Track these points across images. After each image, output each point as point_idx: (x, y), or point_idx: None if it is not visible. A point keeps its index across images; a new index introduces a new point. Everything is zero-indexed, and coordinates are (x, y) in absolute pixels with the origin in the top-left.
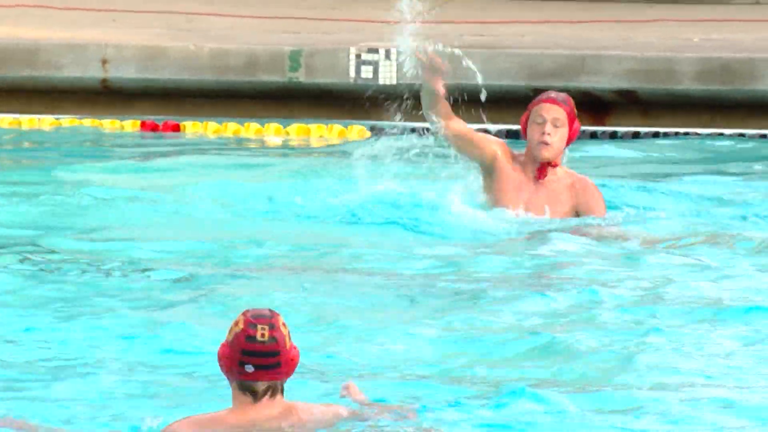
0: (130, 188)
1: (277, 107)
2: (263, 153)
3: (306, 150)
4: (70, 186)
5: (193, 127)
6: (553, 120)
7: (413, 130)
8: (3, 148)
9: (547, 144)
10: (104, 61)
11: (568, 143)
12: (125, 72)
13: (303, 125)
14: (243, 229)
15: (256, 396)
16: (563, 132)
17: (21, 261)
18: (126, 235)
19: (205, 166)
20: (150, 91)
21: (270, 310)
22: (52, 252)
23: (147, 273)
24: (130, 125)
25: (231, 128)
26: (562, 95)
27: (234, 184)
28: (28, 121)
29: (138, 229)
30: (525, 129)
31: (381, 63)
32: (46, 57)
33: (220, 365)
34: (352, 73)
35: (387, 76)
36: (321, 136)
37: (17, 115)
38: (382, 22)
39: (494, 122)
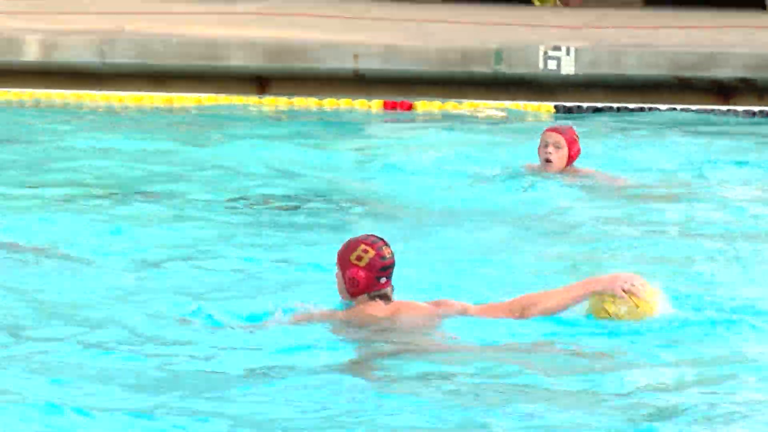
0: (378, 155)
1: (486, 92)
2: (475, 126)
3: (503, 122)
4: (334, 152)
5: (422, 106)
6: (554, 143)
7: (596, 110)
8: (279, 125)
9: (549, 162)
10: (356, 56)
11: (569, 162)
12: (372, 64)
13: (504, 104)
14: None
15: (388, 299)
16: (563, 152)
17: (266, 211)
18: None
19: (434, 136)
20: (390, 79)
21: (370, 234)
22: (324, 209)
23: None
24: (376, 104)
25: (449, 106)
26: (564, 126)
27: (454, 151)
28: (298, 101)
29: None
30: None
31: (563, 58)
32: (312, 53)
33: (354, 286)
34: (541, 66)
35: (568, 68)
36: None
37: (289, 97)
38: (562, 27)
39: (648, 103)
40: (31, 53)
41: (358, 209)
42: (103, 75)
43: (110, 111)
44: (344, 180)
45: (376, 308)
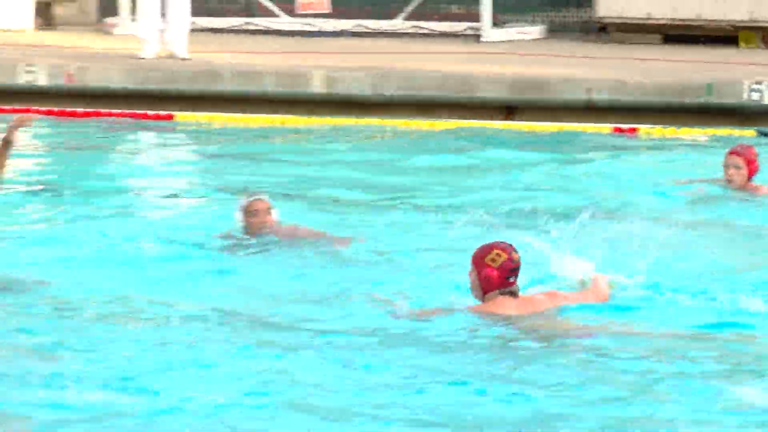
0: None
1: (698, 119)
2: (688, 147)
3: (712, 144)
4: (569, 169)
5: (645, 131)
6: (734, 164)
7: None
8: (523, 147)
9: (731, 180)
10: (589, 89)
11: (749, 178)
12: (603, 95)
13: (714, 130)
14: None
15: (515, 295)
16: (743, 172)
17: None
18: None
19: (654, 156)
20: (617, 108)
21: (502, 241)
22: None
23: None
24: (605, 129)
25: (667, 131)
26: (744, 148)
27: (669, 168)
28: (539, 127)
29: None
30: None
31: (765, 90)
32: (552, 86)
33: (487, 284)
34: (746, 97)
35: None
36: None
37: (529, 123)
38: (764, 65)
39: None
40: (317, 86)
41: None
42: (376, 104)
43: (382, 135)
44: (575, 192)
45: (506, 303)
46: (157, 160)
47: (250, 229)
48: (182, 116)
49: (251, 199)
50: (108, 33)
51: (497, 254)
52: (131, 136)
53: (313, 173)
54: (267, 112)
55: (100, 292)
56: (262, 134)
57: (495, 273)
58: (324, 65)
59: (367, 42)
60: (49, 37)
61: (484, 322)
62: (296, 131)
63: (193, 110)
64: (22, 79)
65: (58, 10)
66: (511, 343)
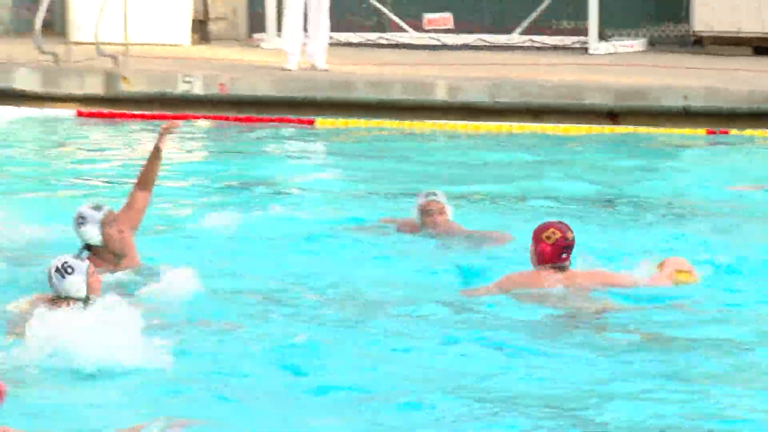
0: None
1: None
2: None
3: None
4: (667, 167)
5: (735, 133)
6: None
7: None
8: (626, 149)
9: None
10: (685, 96)
11: None
12: (698, 102)
13: None
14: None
15: (565, 270)
16: None
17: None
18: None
19: (744, 155)
20: (710, 113)
21: (560, 221)
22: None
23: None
24: (700, 132)
25: (756, 134)
26: None
27: (757, 165)
28: (641, 130)
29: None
30: None
31: None
32: (651, 94)
33: (541, 259)
34: None
35: None
36: None
37: (630, 127)
38: None
39: None
40: (440, 94)
41: (673, 209)
42: (493, 110)
43: (498, 138)
44: (669, 188)
45: (555, 276)
46: (300, 161)
47: (424, 227)
48: (322, 122)
49: (427, 199)
50: (256, 47)
51: (553, 232)
52: (277, 140)
53: (436, 172)
54: (396, 118)
55: (258, 281)
56: (391, 137)
57: (549, 248)
58: (447, 75)
59: (486, 54)
60: (204, 51)
61: (529, 291)
62: (422, 135)
63: (332, 116)
64: (181, 89)
65: (212, 27)
66: (549, 314)
